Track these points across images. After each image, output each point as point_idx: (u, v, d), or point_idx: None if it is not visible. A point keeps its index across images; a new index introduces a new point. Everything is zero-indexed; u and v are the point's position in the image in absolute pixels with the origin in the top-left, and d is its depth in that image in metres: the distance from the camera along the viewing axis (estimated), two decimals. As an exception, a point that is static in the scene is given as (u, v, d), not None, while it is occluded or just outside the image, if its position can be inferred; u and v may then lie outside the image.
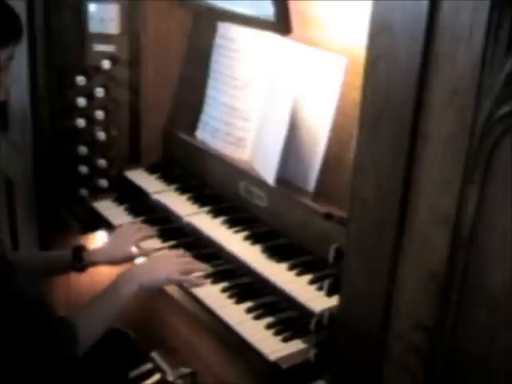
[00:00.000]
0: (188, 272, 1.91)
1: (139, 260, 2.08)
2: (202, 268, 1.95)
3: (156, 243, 2.15)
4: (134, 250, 2.11)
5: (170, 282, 1.91)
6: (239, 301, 1.84)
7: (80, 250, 2.06)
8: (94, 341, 1.74)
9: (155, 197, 2.36)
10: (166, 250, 2.09)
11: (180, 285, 1.91)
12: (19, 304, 1.62)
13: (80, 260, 2.05)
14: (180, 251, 2.05)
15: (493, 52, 1.01)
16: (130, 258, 2.10)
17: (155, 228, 2.23)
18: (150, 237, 2.16)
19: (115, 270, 2.53)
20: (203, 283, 1.90)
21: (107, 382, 1.99)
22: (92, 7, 2.39)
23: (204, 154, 2.40)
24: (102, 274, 2.59)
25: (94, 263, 2.09)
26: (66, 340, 1.66)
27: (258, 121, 2.22)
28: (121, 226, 2.24)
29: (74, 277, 2.59)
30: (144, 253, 2.09)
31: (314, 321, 1.61)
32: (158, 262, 1.97)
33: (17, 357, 1.60)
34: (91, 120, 2.48)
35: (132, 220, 2.32)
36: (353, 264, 1.34)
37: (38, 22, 2.35)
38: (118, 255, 2.08)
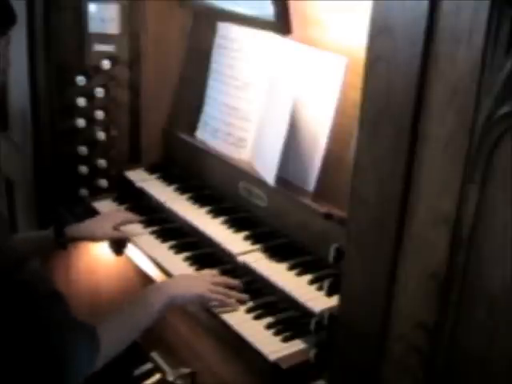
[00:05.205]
0: (221, 294, 1.82)
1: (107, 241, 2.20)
2: (237, 295, 1.84)
3: (139, 229, 2.22)
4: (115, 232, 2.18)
5: (201, 298, 1.82)
6: (239, 301, 1.83)
7: (61, 226, 2.12)
8: (116, 353, 1.62)
9: (155, 197, 2.36)
10: (206, 271, 1.97)
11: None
12: (26, 298, 1.45)
13: (61, 235, 2.10)
14: (214, 272, 1.95)
15: (493, 52, 1.01)
16: (108, 237, 2.17)
17: (155, 228, 2.24)
18: (132, 221, 2.24)
19: (115, 271, 2.53)
20: (235, 308, 1.80)
21: (110, 381, 1.98)
22: (92, 7, 2.39)
23: (204, 154, 2.40)
24: (102, 275, 2.59)
25: (75, 238, 2.16)
26: (84, 346, 1.50)
27: (258, 121, 2.21)
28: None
29: (74, 276, 2.59)
30: (123, 234, 2.17)
31: (313, 321, 1.61)
32: (192, 277, 1.92)
33: (17, 359, 1.42)
34: (91, 120, 2.48)
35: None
36: (353, 264, 1.34)
37: (38, 22, 2.34)
38: (98, 233, 2.15)
